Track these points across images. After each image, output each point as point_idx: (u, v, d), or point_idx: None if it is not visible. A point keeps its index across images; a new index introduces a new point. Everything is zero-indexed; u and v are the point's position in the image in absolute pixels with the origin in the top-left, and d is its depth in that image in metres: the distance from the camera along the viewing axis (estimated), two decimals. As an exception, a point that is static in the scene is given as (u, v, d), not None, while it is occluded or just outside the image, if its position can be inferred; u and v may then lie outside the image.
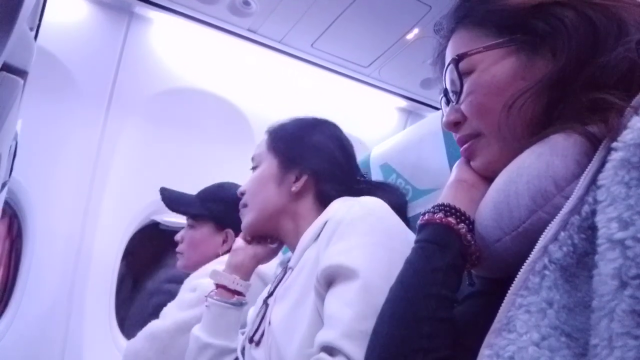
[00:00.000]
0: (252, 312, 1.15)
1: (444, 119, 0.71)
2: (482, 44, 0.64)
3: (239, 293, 1.09)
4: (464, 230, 0.60)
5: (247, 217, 1.08)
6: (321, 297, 0.81)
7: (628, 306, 0.37)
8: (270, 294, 0.98)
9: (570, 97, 0.55)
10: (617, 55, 0.53)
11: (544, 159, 0.52)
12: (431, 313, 0.56)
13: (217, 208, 1.61)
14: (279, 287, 0.97)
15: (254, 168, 1.12)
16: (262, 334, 0.91)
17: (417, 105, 2.65)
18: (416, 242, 0.64)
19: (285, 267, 1.02)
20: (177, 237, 1.67)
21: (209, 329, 1.06)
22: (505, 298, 0.47)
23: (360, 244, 0.80)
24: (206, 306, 1.09)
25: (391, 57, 2.23)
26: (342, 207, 0.90)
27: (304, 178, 1.04)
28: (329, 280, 0.80)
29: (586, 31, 0.56)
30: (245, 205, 1.09)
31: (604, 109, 0.49)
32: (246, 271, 1.11)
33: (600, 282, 0.40)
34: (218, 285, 1.10)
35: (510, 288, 0.47)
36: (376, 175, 1.29)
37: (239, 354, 1.00)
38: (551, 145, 0.53)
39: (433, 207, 0.65)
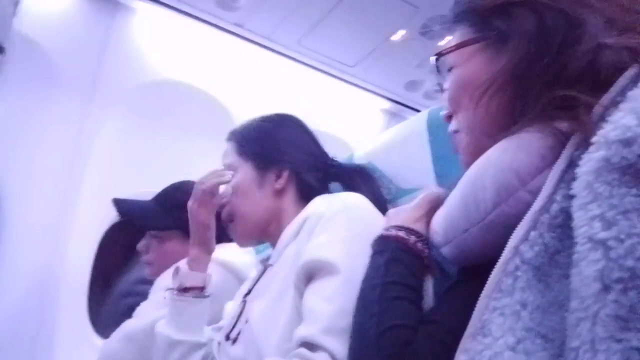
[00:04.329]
0: (229, 307, 1.14)
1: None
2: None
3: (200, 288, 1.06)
4: (394, 231, 0.72)
5: (238, 231, 1.05)
6: (300, 293, 0.80)
7: (612, 311, 0.36)
8: (249, 292, 0.97)
9: (533, 93, 0.57)
10: (573, 55, 0.54)
11: (509, 153, 0.54)
12: (378, 297, 0.65)
13: (184, 216, 1.55)
14: (257, 284, 0.96)
15: (227, 174, 1.08)
16: (239, 331, 0.90)
17: (401, 107, 2.66)
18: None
19: (265, 265, 1.01)
20: (141, 247, 1.62)
21: (177, 325, 1.03)
22: (479, 301, 0.48)
23: (340, 238, 0.80)
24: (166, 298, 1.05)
25: (377, 57, 2.23)
26: (323, 203, 0.90)
27: (285, 174, 1.04)
28: (309, 275, 0.79)
29: (539, 30, 0.58)
30: (231, 220, 1.05)
31: (572, 106, 0.50)
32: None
33: (581, 284, 0.39)
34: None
35: (483, 290, 0.47)
36: (360, 174, 1.29)
37: (214, 350, 0.98)
38: (518, 140, 0.54)
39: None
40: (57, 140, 2.00)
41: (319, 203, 0.92)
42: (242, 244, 1.07)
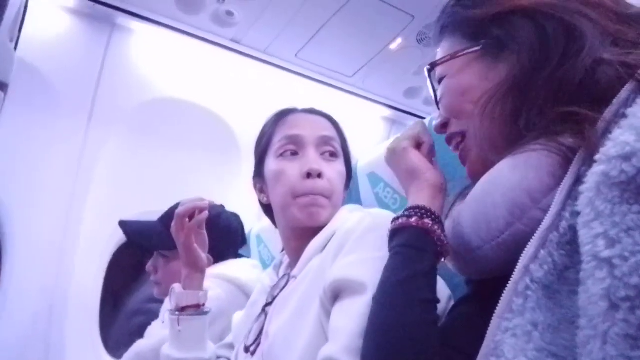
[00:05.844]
0: (237, 318, 1.13)
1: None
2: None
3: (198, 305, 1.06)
4: (439, 231, 0.63)
5: (327, 212, 0.94)
6: (326, 310, 0.78)
7: (621, 330, 0.36)
8: (270, 302, 0.95)
9: (536, 103, 0.56)
10: (573, 67, 0.54)
11: (518, 172, 0.53)
12: (419, 318, 0.58)
13: None
14: (280, 295, 0.94)
15: (329, 150, 0.99)
16: (258, 344, 0.89)
17: (401, 114, 2.67)
18: (394, 247, 0.66)
19: (287, 275, 0.98)
20: (149, 267, 1.61)
21: (178, 345, 1.02)
22: (491, 322, 0.47)
23: (371, 258, 0.76)
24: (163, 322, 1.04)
25: (375, 66, 2.24)
26: (351, 218, 0.88)
27: (346, 191, 1.04)
28: (336, 293, 0.77)
29: (540, 40, 0.58)
30: (329, 198, 0.95)
31: (577, 121, 0.50)
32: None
33: (589, 302, 0.39)
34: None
35: (495, 311, 0.47)
36: (363, 185, 1.29)
37: None
38: (525, 158, 0.54)
39: (407, 211, 0.67)
40: (59, 161, 2.01)
41: (347, 217, 0.90)
42: (319, 225, 0.95)
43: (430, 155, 0.75)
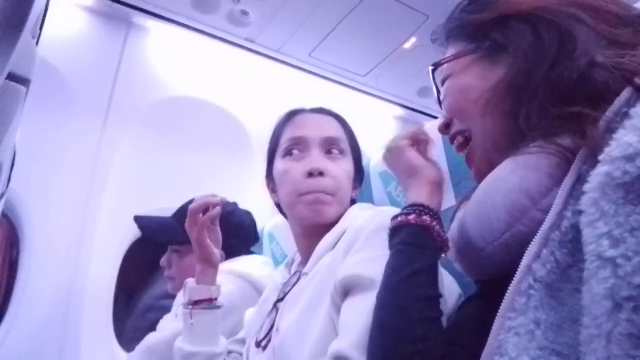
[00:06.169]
0: (249, 314, 1.14)
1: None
2: None
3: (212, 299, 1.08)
4: (437, 227, 0.66)
5: (333, 208, 0.96)
6: (336, 306, 0.79)
7: (625, 330, 0.37)
8: (281, 298, 0.97)
9: (534, 104, 0.57)
10: (567, 68, 0.55)
11: (518, 173, 0.54)
12: (421, 315, 0.59)
13: None
14: (291, 291, 0.95)
15: (334, 150, 1.01)
16: (269, 339, 0.90)
17: (415, 113, 2.67)
18: (394, 245, 0.68)
19: (299, 272, 0.99)
20: (163, 262, 1.64)
21: (190, 338, 1.04)
22: (495, 320, 0.48)
23: (382, 256, 0.75)
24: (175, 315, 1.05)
25: (388, 66, 2.25)
26: (362, 215, 0.89)
27: (358, 189, 1.06)
28: (346, 289, 0.78)
29: (535, 42, 0.59)
30: (333, 195, 0.96)
31: (578, 121, 0.50)
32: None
33: (592, 301, 0.40)
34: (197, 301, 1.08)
35: (499, 310, 0.48)
36: (375, 183, 1.29)
37: (244, 357, 0.99)
38: (524, 159, 0.55)
39: (405, 209, 0.69)
40: (75, 160, 2.04)
41: (358, 215, 0.91)
42: (326, 222, 0.97)
43: (428, 153, 0.77)
